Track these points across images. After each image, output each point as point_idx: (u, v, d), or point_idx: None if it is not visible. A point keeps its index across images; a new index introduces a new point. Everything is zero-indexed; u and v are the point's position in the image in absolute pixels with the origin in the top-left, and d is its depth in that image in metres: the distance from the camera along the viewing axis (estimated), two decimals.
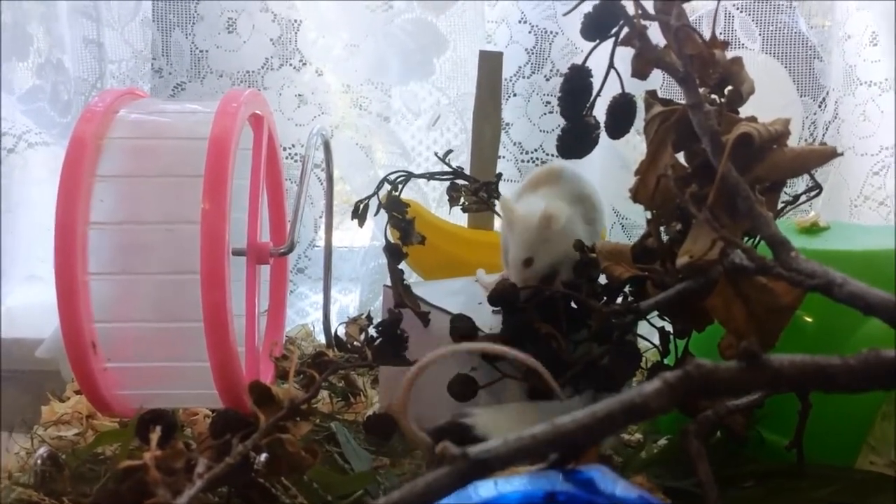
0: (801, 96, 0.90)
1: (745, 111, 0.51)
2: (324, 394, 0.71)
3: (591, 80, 0.53)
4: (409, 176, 0.68)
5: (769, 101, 0.88)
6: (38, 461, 0.56)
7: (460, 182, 0.71)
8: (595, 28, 0.51)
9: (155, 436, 0.42)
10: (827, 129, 0.90)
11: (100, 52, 0.90)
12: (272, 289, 0.79)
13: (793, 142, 0.49)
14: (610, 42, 0.51)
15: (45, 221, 0.93)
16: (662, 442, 0.61)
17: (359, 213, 0.68)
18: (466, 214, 0.81)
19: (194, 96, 0.92)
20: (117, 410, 0.61)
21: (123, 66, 0.91)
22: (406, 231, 0.65)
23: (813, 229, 0.63)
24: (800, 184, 0.80)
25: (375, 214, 0.68)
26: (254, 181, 0.66)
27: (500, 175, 0.70)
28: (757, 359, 0.32)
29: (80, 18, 0.90)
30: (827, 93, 0.90)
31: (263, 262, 0.68)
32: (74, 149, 0.57)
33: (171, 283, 0.58)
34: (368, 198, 0.68)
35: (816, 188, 0.60)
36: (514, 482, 0.33)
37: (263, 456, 0.47)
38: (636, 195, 0.52)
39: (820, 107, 0.90)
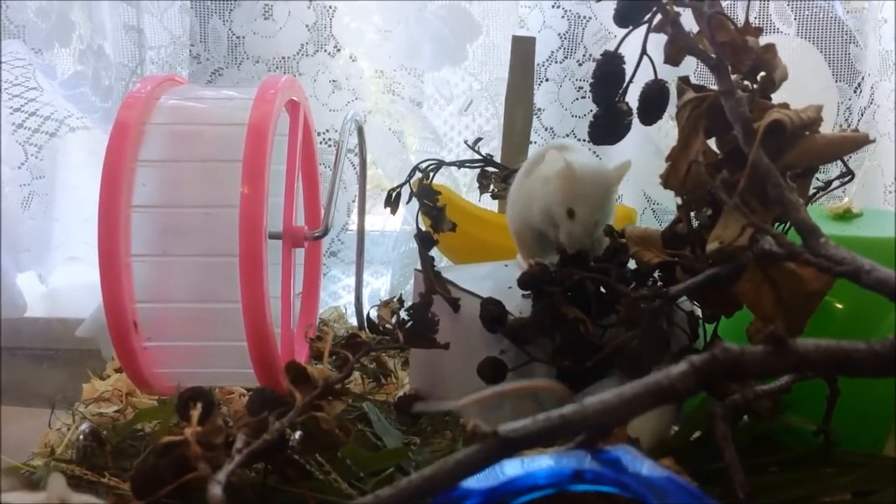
0: (836, 81, 0.89)
1: (779, 96, 0.51)
2: (356, 375, 0.72)
3: (624, 65, 0.53)
4: (440, 164, 0.69)
5: (804, 86, 0.88)
6: (81, 437, 0.58)
7: (490, 170, 0.72)
8: (628, 14, 0.51)
9: (195, 412, 0.44)
10: (862, 114, 0.89)
11: (140, 39, 0.92)
12: (306, 272, 0.80)
13: (828, 127, 0.48)
14: (643, 28, 0.51)
15: (86, 204, 0.96)
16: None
17: (391, 202, 0.69)
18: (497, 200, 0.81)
19: (231, 82, 0.94)
20: (156, 388, 0.62)
21: (162, 53, 0.93)
22: (437, 219, 0.65)
23: (846, 216, 0.63)
24: (834, 170, 0.79)
25: (408, 202, 0.69)
26: (289, 166, 0.67)
27: None
28: (783, 343, 0.32)
29: (121, 5, 0.92)
30: (863, 78, 0.89)
31: (298, 245, 0.69)
32: (118, 134, 0.58)
33: (210, 266, 0.59)
34: (400, 186, 0.69)
35: (849, 174, 0.60)
36: (541, 460, 0.33)
37: (298, 433, 0.48)
38: (667, 181, 0.52)
39: (855, 92, 0.89)
